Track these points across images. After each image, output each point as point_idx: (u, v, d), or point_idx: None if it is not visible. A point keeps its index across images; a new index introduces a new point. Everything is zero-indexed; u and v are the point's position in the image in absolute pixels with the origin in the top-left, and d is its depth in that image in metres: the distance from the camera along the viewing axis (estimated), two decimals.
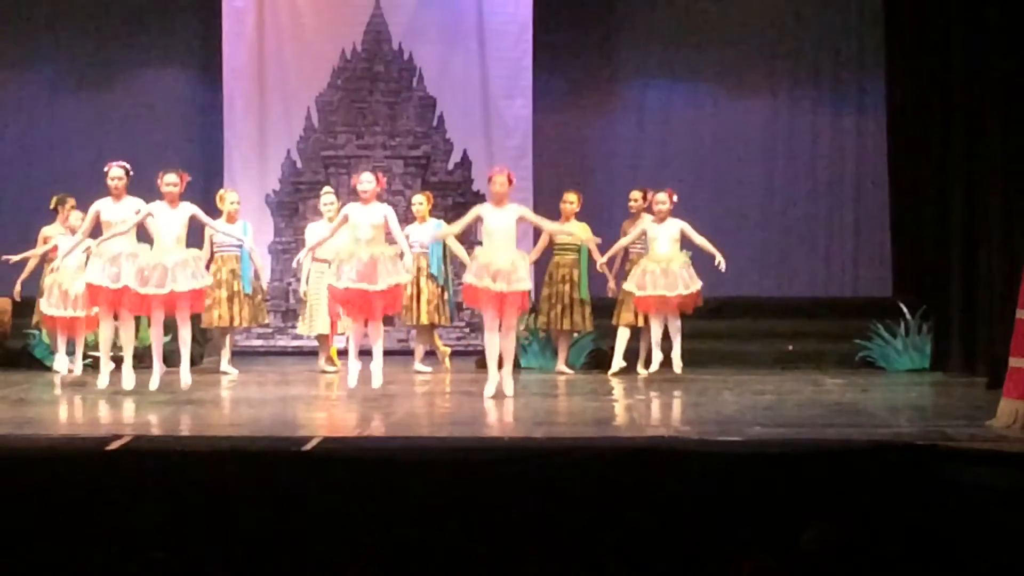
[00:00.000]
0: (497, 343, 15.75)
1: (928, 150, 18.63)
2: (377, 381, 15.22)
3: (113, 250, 15.52)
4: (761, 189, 20.81)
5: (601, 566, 11.03)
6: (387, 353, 16.00)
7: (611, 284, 17.79)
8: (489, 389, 15.71)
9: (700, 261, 17.10)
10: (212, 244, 17.83)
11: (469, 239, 18.41)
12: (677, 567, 11.13)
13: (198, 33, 20.51)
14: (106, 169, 15.86)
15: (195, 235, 16.55)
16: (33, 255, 17.65)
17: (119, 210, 15.62)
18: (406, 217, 18.23)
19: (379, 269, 15.09)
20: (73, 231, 17.15)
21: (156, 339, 15.50)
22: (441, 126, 20.26)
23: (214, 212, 17.94)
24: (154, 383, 15.35)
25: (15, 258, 17.67)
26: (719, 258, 16.63)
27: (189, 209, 15.57)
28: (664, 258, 16.87)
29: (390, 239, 15.36)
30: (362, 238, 15.18)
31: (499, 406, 15.45)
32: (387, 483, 12.28)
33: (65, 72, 20.68)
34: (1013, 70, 15.29)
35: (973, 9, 17.01)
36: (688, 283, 16.84)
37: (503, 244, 15.53)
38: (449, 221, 18.16)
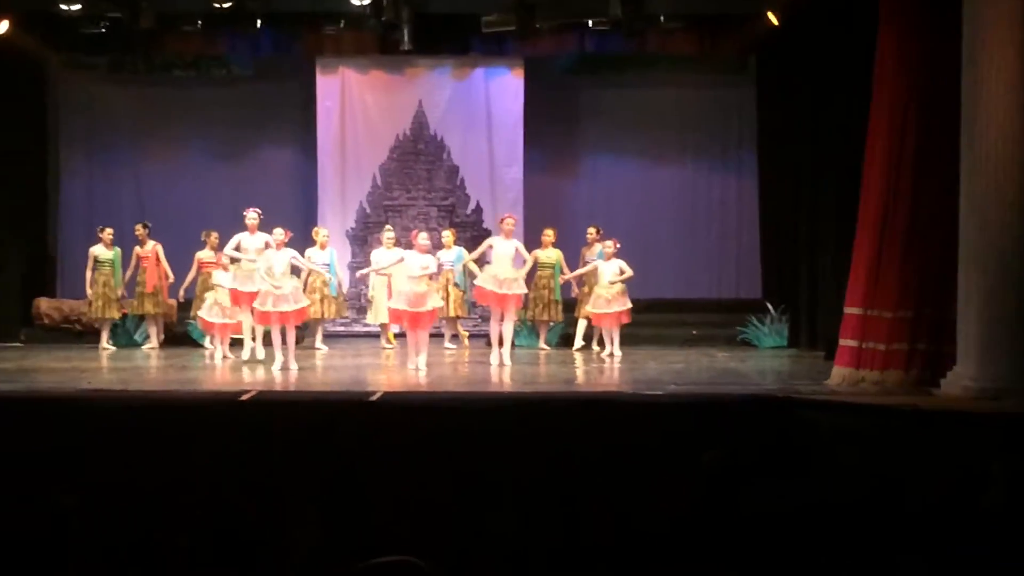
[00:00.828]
0: (499, 329, 15.91)
1: (784, 200, 18.61)
2: (422, 372, 15.24)
3: (248, 270, 15.83)
4: (676, 227, 20.67)
5: (567, 472, 11.13)
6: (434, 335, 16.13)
7: (574, 288, 17.92)
8: (494, 359, 15.83)
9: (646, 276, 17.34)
10: (310, 262, 17.87)
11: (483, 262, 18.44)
12: (617, 475, 11.20)
13: (300, 123, 20.46)
14: (245, 212, 16.08)
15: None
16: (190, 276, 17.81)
17: (254, 240, 16.08)
18: (439, 245, 18.26)
19: (426, 300, 15.28)
20: (214, 249, 17.32)
21: (276, 337, 15.59)
22: (462, 185, 20.20)
23: (310, 242, 18.00)
24: (276, 365, 15.39)
25: (182, 290, 18.02)
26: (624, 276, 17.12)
27: (289, 252, 15.66)
28: (608, 285, 16.99)
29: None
30: (415, 276, 15.29)
31: (501, 371, 15.52)
32: (426, 422, 12.33)
33: (212, 148, 20.64)
34: (840, 145, 15.31)
35: (812, 112, 17.05)
36: (624, 304, 17.00)
37: (506, 264, 15.90)
38: (467, 248, 18.22)
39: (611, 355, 16.99)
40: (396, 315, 15.75)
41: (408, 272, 15.48)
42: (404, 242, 18.63)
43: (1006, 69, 12.33)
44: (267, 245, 15.87)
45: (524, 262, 16.65)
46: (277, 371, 15.23)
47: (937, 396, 12.67)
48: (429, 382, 14.63)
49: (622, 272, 17.07)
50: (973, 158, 12.52)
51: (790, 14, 17.46)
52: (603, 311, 17.08)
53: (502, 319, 16.01)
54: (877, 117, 13.74)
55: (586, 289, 17.78)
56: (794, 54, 17.95)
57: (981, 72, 12.40)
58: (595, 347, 17.71)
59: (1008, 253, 12.30)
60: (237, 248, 16.32)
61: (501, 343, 15.96)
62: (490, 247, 16.44)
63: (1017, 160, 12.33)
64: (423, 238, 15.65)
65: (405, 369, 15.55)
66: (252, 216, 16.43)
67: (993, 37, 12.35)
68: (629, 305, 17.12)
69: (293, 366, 15.44)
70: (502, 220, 16.67)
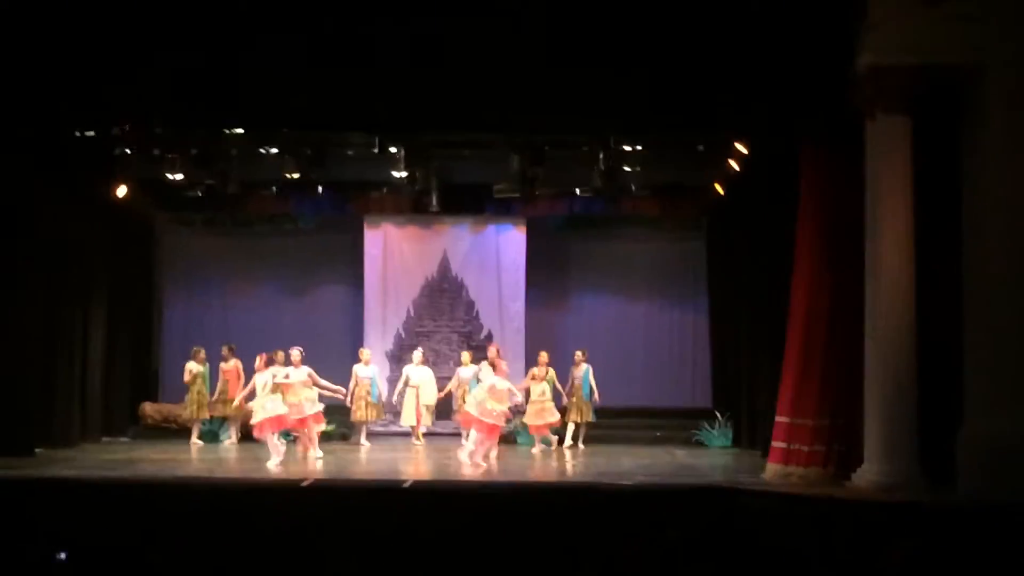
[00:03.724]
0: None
1: (729, 331, 18.70)
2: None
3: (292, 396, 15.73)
4: (645, 351, 20.47)
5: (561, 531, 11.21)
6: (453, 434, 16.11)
7: (564, 400, 17.83)
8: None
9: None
10: (356, 376, 17.88)
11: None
12: (595, 539, 11.21)
13: (351, 267, 20.39)
14: (290, 351, 15.93)
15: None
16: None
17: (298, 372, 15.75)
18: (459, 362, 18.26)
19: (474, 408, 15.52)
20: (283, 365, 17.13)
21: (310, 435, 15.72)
22: (477, 316, 20.15)
23: (357, 359, 18.07)
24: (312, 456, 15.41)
25: (243, 399, 17.34)
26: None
27: (306, 369, 15.71)
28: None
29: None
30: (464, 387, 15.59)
31: (505, 462, 15.49)
32: (451, 503, 12.36)
33: (282, 285, 20.58)
34: (772, 288, 15.34)
35: (750, 261, 17.18)
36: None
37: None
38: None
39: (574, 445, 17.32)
40: (466, 419, 15.79)
41: (457, 384, 15.91)
42: (431, 360, 18.76)
43: (898, 233, 12.55)
44: (309, 376, 15.80)
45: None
46: (314, 459, 15.28)
47: (849, 488, 12.71)
48: (450, 473, 14.61)
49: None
50: (874, 303, 12.69)
51: (733, 186, 17.75)
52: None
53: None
54: (799, 267, 13.93)
55: (574, 399, 17.77)
56: (736, 216, 18.12)
57: (880, 236, 12.63)
58: (581, 444, 17.71)
59: (903, 379, 12.45)
60: (286, 377, 16.18)
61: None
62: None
63: (908, 306, 12.52)
64: (465, 359, 16.14)
65: (430, 462, 15.55)
66: (296, 353, 16.03)
67: (888, 209, 12.58)
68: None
69: (319, 452, 15.45)
70: (498, 351, 17.10)
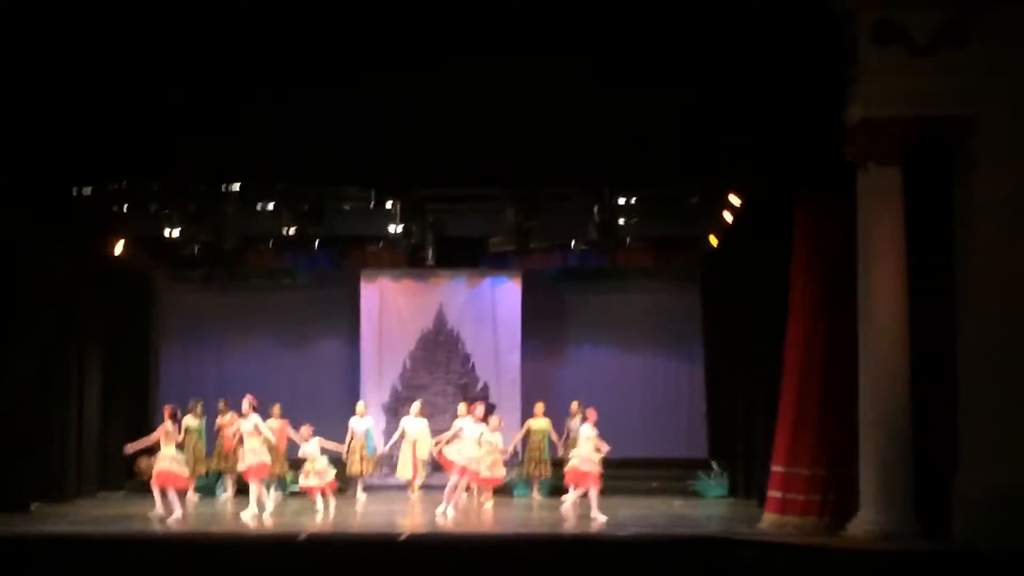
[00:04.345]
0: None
1: (725, 381, 18.68)
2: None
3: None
4: (641, 401, 20.39)
5: None
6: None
7: (560, 451, 17.75)
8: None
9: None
10: (352, 430, 17.78)
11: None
12: None
13: (347, 320, 20.38)
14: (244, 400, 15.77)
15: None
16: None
17: (246, 423, 15.45)
18: (455, 414, 18.15)
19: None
20: (278, 418, 16.99)
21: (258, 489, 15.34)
22: (473, 369, 20.11)
23: (352, 413, 17.98)
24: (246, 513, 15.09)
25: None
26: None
27: (254, 419, 15.35)
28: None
29: None
30: (470, 440, 15.57)
31: (500, 516, 15.38)
32: (447, 556, 12.30)
33: (279, 339, 20.55)
34: (766, 337, 15.33)
35: (745, 311, 17.15)
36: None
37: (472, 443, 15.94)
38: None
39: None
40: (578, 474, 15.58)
41: (462, 436, 15.77)
42: (428, 413, 18.67)
43: (891, 283, 12.55)
44: (255, 426, 15.34)
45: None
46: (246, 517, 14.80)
47: (844, 537, 12.63)
48: (446, 525, 14.50)
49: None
50: (868, 352, 12.65)
51: (727, 238, 17.78)
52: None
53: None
54: (794, 316, 13.92)
55: (573, 450, 17.64)
56: (730, 268, 18.17)
57: (873, 285, 12.63)
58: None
59: (898, 427, 12.41)
60: (236, 429, 15.89)
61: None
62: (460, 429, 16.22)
63: (902, 354, 12.50)
64: (475, 412, 16.02)
65: (427, 514, 15.42)
66: (245, 403, 15.66)
67: (880, 259, 12.59)
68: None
69: (254, 510, 14.95)
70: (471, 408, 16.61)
